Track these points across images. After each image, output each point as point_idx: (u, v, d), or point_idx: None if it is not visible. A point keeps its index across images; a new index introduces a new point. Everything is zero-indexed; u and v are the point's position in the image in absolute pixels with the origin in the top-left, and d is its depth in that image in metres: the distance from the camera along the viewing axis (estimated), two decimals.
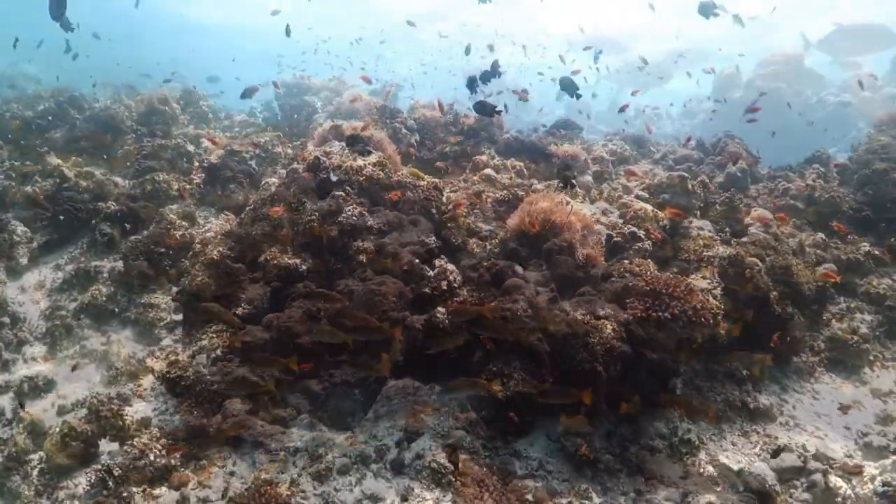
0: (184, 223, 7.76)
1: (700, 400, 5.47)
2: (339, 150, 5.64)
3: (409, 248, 5.18)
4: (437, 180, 5.59)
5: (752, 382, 5.80)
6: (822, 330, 6.74)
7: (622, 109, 7.26)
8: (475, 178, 6.17)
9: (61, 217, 8.54)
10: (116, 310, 7.40)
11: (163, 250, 7.68)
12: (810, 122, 12.75)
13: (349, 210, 5.07)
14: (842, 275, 7.07)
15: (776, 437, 5.54)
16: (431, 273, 5.06)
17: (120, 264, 7.78)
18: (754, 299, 5.69)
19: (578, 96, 5.58)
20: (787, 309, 5.89)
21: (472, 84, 4.83)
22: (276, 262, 5.07)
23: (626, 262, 5.23)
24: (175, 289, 7.57)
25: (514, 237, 5.09)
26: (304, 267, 5.01)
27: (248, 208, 5.87)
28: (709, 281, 5.28)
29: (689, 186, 6.07)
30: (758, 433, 5.65)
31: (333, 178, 4.74)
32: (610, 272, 5.19)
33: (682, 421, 5.32)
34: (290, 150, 9.57)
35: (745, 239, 6.08)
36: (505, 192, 5.67)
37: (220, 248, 5.78)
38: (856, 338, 6.47)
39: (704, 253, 5.61)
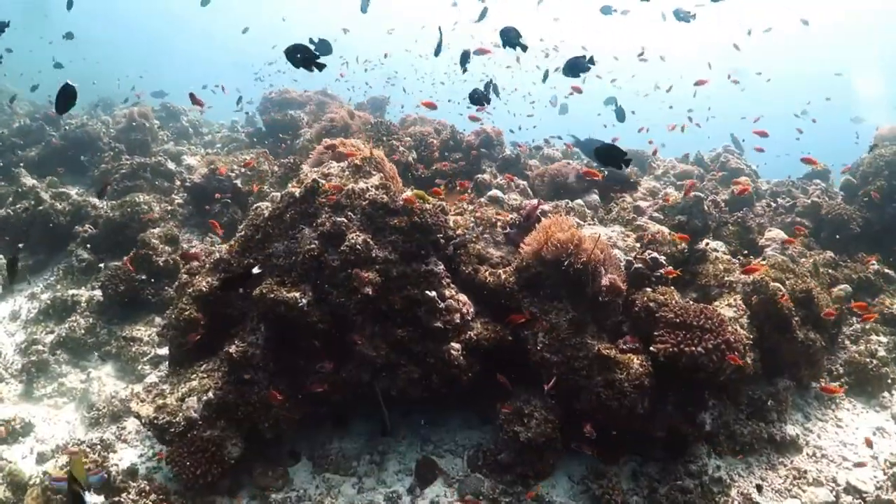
0: (167, 248, 7.27)
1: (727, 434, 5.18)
2: (337, 172, 5.26)
3: (417, 278, 4.80)
4: (443, 203, 5.23)
5: (777, 412, 5.53)
6: (839, 353, 6.54)
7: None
8: (481, 199, 5.83)
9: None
10: (96, 343, 6.89)
11: (144, 277, 7.20)
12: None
13: (352, 238, 4.68)
14: (854, 295, 6.92)
15: (805, 471, 5.28)
16: (442, 305, 4.69)
17: (99, 293, 7.27)
18: (777, 325, 5.45)
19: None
20: (809, 334, 5.66)
21: (464, 59, 4.43)
22: (273, 295, 4.64)
23: (650, 290, 4.93)
24: (158, 319, 7.09)
25: (532, 264, 4.74)
26: (303, 300, 4.59)
27: (238, 234, 5.43)
28: (734, 309, 5.00)
29: (705, 207, 5.82)
30: (785, 466, 5.38)
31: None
32: (634, 301, 4.88)
33: (711, 457, 5.02)
34: (276, 168, 9.13)
35: (763, 261, 5.84)
36: (515, 214, 5.33)
37: (209, 279, 5.33)
38: (874, 361, 6.26)
39: (726, 278, 5.33)
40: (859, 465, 5.28)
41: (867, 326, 6.72)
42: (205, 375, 5.10)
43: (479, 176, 6.80)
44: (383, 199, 4.92)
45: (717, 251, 5.88)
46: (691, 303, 4.87)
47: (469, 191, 6.75)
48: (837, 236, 7.62)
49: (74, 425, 6.06)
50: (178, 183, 9.40)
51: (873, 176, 7.97)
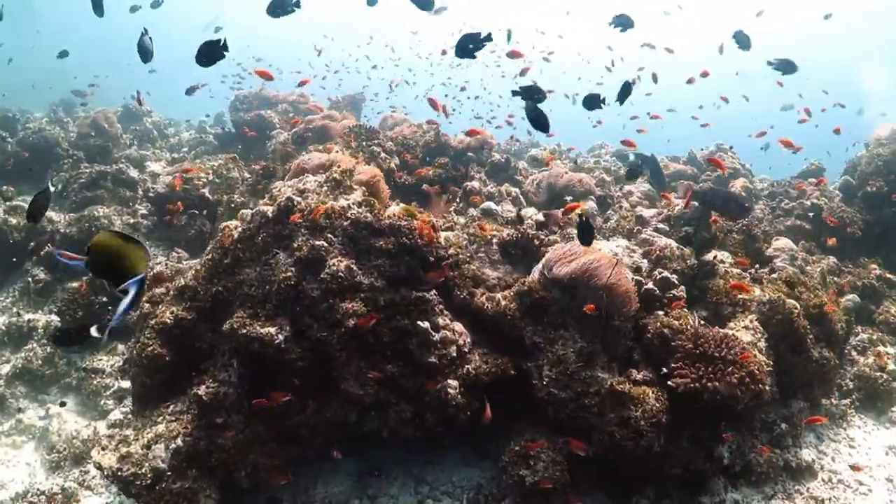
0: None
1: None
2: (315, 187, 4.73)
3: (407, 306, 4.32)
4: (432, 219, 4.75)
5: (791, 436, 5.22)
6: (847, 366, 6.27)
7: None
8: (473, 211, 5.36)
9: None
10: (54, 375, 6.29)
11: (105, 299, 6.58)
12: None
13: (334, 264, 4.17)
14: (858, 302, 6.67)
15: (822, 500, 4.98)
16: (436, 337, 4.22)
17: (56, 318, 6.64)
18: (792, 345, 5.12)
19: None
20: (824, 352, 5.35)
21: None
22: (245, 331, 4.12)
23: (662, 314, 4.53)
24: (121, 347, 6.48)
25: (535, 289, 4.30)
26: (280, 336, 4.08)
27: (204, 258, 4.87)
28: (752, 332, 4.63)
29: (713, 216, 5.45)
30: (802, 494, 5.07)
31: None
32: (646, 326, 4.47)
33: (728, 491, 4.67)
34: (247, 175, 8.53)
35: (774, 276, 5.51)
36: (513, 230, 4.88)
37: (174, 309, 4.77)
38: (884, 375, 6.00)
39: (739, 295, 4.97)
40: (875, 490, 5.01)
41: (873, 336, 6.46)
42: (172, 418, 4.55)
43: (469, 184, 6.33)
44: (367, 217, 4.42)
45: (724, 262, 5.52)
46: (708, 328, 4.49)
47: (457, 200, 6.28)
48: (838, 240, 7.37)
49: (35, 467, 5.54)
50: (140, 192, 8.73)
51: (872, 176, 7.73)
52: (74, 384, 6.19)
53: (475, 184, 6.39)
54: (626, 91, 4.19)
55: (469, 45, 3.94)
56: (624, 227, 5.88)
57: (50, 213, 8.28)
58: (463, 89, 11.61)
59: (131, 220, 7.85)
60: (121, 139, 10.64)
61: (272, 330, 4.09)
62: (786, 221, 7.49)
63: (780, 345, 5.05)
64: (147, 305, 5.01)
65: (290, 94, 12.50)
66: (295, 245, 4.30)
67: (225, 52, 3.50)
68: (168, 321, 4.70)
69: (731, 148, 9.58)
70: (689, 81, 8.05)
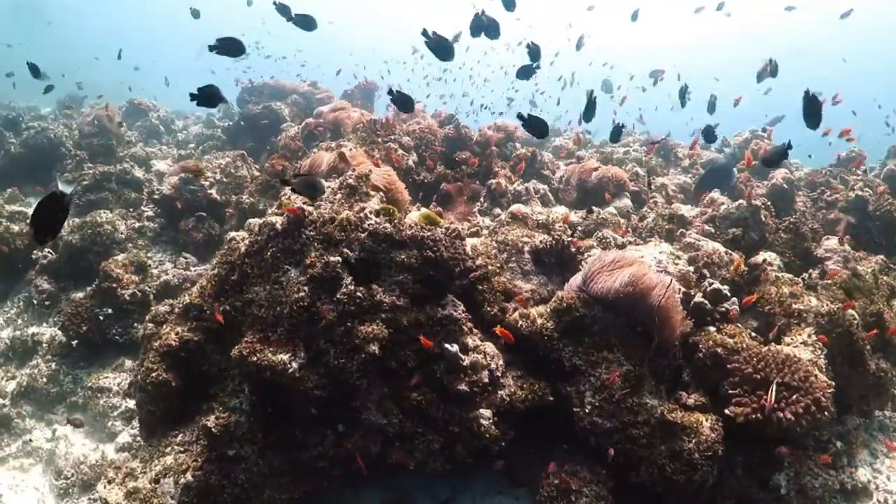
0: (134, 277, 6.31)
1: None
2: (328, 194, 4.31)
3: (433, 326, 3.92)
4: (457, 226, 4.32)
5: (847, 456, 4.78)
6: None
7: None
8: (499, 214, 4.92)
9: None
10: (60, 393, 6.02)
11: (110, 311, 6.26)
12: None
13: (351, 283, 3.77)
14: None
15: None
16: (466, 361, 3.82)
17: (61, 333, 6.34)
18: (850, 359, 4.66)
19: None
20: (881, 364, 4.88)
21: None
22: (256, 358, 3.75)
23: (714, 330, 4.09)
24: (129, 363, 6.17)
25: (575, 306, 3.87)
26: (294, 364, 3.70)
27: (210, 273, 4.50)
28: (811, 348, 4.17)
29: (763, 217, 4.96)
30: None
31: None
32: (696, 344, 4.03)
33: None
34: (256, 172, 8.15)
35: (828, 281, 5.01)
36: (546, 236, 4.44)
37: (180, 329, 4.42)
38: None
39: (794, 305, 4.50)
40: None
41: None
42: (181, 449, 4.22)
43: (493, 181, 5.87)
44: (386, 228, 4.00)
45: (773, 265, 5.04)
46: (766, 346, 4.04)
47: (481, 199, 5.83)
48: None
49: (43, 493, 5.28)
50: (147, 190, 8.37)
51: None
52: (81, 403, 5.91)
53: (500, 181, 5.93)
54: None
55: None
56: (662, 227, 5.41)
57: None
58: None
59: (136, 224, 7.51)
60: (125, 136, 10.28)
61: (285, 357, 3.71)
62: (829, 214, 6.94)
63: (836, 358, 4.60)
64: (151, 325, 4.67)
65: (301, 84, 12.05)
66: (307, 261, 3.90)
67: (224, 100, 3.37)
68: (173, 343, 4.35)
69: (765, 130, 8.98)
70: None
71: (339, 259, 3.85)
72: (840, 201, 6.94)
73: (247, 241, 4.30)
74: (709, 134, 4.21)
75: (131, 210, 7.80)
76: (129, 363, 6.09)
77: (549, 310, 3.96)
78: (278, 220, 4.14)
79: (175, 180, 7.61)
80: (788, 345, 4.28)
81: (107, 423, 5.65)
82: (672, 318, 3.74)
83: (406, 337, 3.88)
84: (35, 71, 5.26)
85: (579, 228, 5.11)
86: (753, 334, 4.41)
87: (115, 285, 6.13)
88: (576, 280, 4.01)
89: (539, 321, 3.88)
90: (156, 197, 7.64)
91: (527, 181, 6.41)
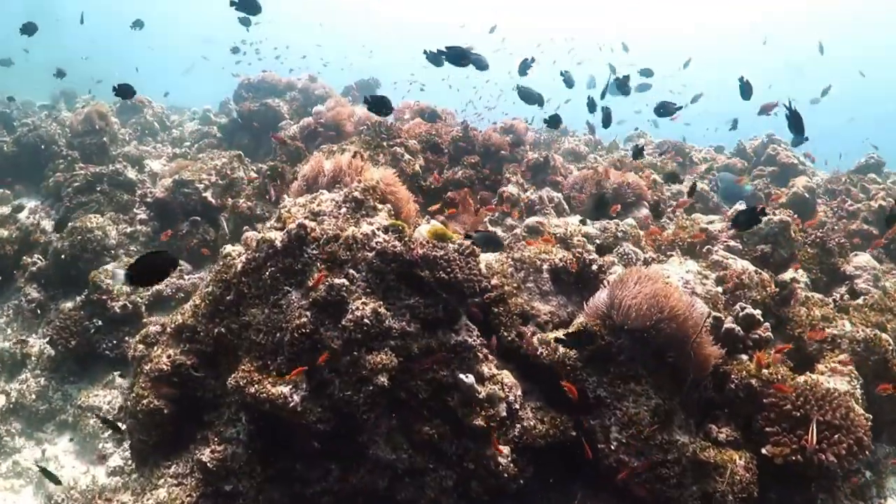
0: (124, 288, 6.00)
1: None
2: (332, 208, 4.00)
3: (445, 355, 3.62)
4: (469, 244, 4.01)
5: (876, 486, 4.53)
6: None
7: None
8: (517, 229, 4.62)
9: None
10: (49, 410, 5.74)
11: (100, 323, 5.95)
12: None
13: (358, 308, 3.47)
14: None
15: None
16: (482, 393, 3.52)
17: (50, 347, 6.03)
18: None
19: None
20: None
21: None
22: (254, 389, 3.45)
23: (746, 358, 3.80)
24: (119, 380, 5.87)
25: (600, 333, 3.58)
26: (296, 397, 3.40)
27: (204, 290, 4.19)
28: (848, 379, 3.89)
29: (792, 233, 4.67)
30: None
31: None
32: (728, 374, 3.75)
33: None
34: (254, 175, 7.81)
35: (859, 301, 4.73)
36: (567, 253, 4.14)
37: (172, 352, 4.11)
38: None
39: (827, 330, 4.22)
40: None
41: None
42: (175, 482, 3.93)
43: (505, 189, 5.56)
44: (395, 248, 3.69)
45: (799, 281, 4.76)
46: (801, 377, 3.76)
47: (493, 210, 5.52)
48: None
49: None
50: (140, 192, 8.02)
51: None
52: (71, 421, 5.63)
53: (512, 189, 5.62)
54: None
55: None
56: (683, 240, 5.11)
57: (43, 223, 7.66)
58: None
59: (128, 229, 7.18)
60: (118, 134, 9.92)
61: (285, 390, 3.41)
62: (850, 225, 6.64)
63: (870, 386, 4.33)
64: (141, 347, 4.37)
65: (299, 80, 11.68)
66: (310, 283, 3.59)
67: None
68: (165, 367, 4.05)
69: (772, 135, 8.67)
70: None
71: (345, 281, 3.55)
72: (862, 211, 6.65)
73: (243, 259, 3.98)
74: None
75: (123, 214, 7.46)
76: (119, 379, 5.80)
77: (572, 332, 3.66)
78: (278, 237, 3.82)
79: (168, 182, 7.28)
80: (822, 373, 4.00)
81: (97, 444, 5.37)
82: (706, 351, 3.45)
83: (417, 366, 3.59)
84: (124, 92, 5.10)
85: (597, 241, 4.81)
86: (785, 358, 4.14)
87: (104, 297, 5.82)
88: (599, 302, 3.72)
89: (561, 350, 3.59)
90: (148, 200, 7.31)
91: (539, 187, 6.10)
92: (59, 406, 5.78)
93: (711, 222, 5.31)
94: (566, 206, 5.59)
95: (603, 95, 4.47)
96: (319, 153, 5.06)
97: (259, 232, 6.34)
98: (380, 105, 4.30)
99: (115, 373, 5.79)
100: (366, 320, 3.45)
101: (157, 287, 6.24)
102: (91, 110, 9.75)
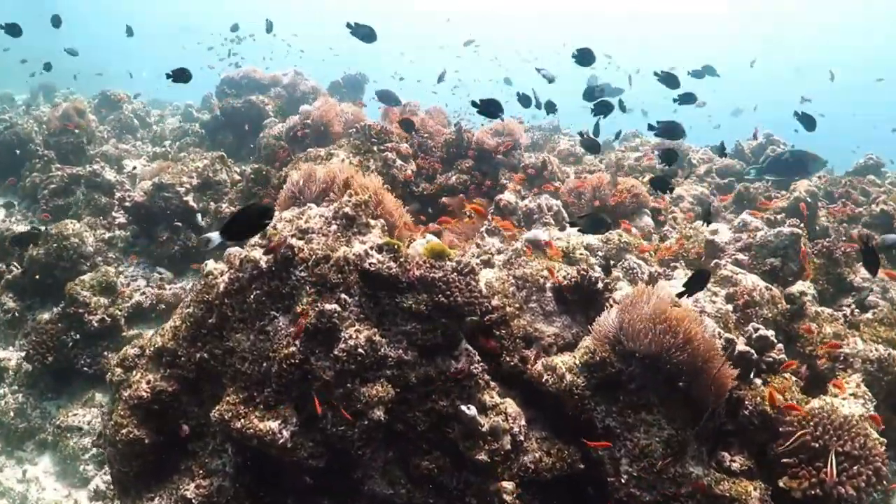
0: (102, 300, 5.70)
1: None
2: (321, 225, 3.74)
3: (445, 382, 3.41)
4: (469, 261, 3.79)
5: None
6: None
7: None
8: (517, 243, 4.39)
9: None
10: (28, 429, 5.46)
11: (78, 337, 5.65)
12: None
13: (350, 337, 3.23)
14: None
15: None
16: (485, 426, 3.31)
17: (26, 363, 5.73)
18: (894, 404, 4.26)
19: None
20: None
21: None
22: (240, 424, 3.21)
23: (760, 383, 3.63)
24: (99, 396, 5.59)
25: (609, 360, 3.39)
26: (285, 433, 3.17)
27: (184, 311, 3.91)
28: (862, 401, 3.74)
29: (803, 246, 4.50)
30: None
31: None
32: (741, 400, 3.57)
33: None
34: (237, 176, 7.51)
35: (868, 315, 4.59)
36: (571, 270, 3.94)
37: (151, 377, 3.85)
38: None
39: (839, 349, 4.07)
40: None
41: None
42: None
43: (502, 197, 5.33)
44: (391, 269, 3.46)
45: (807, 294, 4.59)
46: (817, 402, 3.60)
47: (489, 217, 5.30)
48: None
49: None
50: (118, 195, 7.68)
51: None
52: (50, 441, 5.36)
53: (509, 197, 5.39)
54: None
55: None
56: (687, 251, 4.92)
57: (16, 228, 7.30)
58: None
59: (106, 235, 6.85)
60: (96, 132, 9.51)
61: (274, 425, 3.17)
62: (852, 230, 6.50)
63: (881, 406, 4.20)
64: (119, 371, 4.09)
65: (284, 76, 11.31)
66: (298, 309, 3.34)
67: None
68: (144, 395, 3.78)
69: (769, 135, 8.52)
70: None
71: (337, 307, 3.30)
72: (864, 216, 6.52)
73: (226, 279, 3.72)
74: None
75: (101, 219, 7.13)
76: (98, 396, 5.52)
77: (578, 362, 3.46)
78: (263, 257, 3.56)
79: (148, 186, 6.95)
80: (836, 395, 3.85)
81: (78, 466, 5.11)
82: (723, 376, 3.27)
83: (415, 395, 3.37)
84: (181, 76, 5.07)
85: (599, 254, 4.61)
86: (794, 378, 3.98)
87: (81, 311, 5.52)
88: (607, 326, 3.51)
89: (568, 377, 3.39)
90: (127, 204, 6.98)
91: (536, 192, 5.88)
92: (38, 424, 5.51)
93: (715, 232, 5.13)
94: (565, 215, 5.38)
95: (623, 109, 4.37)
96: (307, 164, 4.79)
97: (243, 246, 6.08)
98: (490, 107, 4.27)
99: (94, 390, 5.52)
100: (360, 350, 3.21)
101: (136, 298, 5.96)
102: (69, 107, 9.34)
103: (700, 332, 3.18)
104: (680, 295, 3.22)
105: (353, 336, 3.24)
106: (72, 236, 6.37)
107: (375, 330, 3.32)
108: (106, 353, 5.57)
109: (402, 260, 3.52)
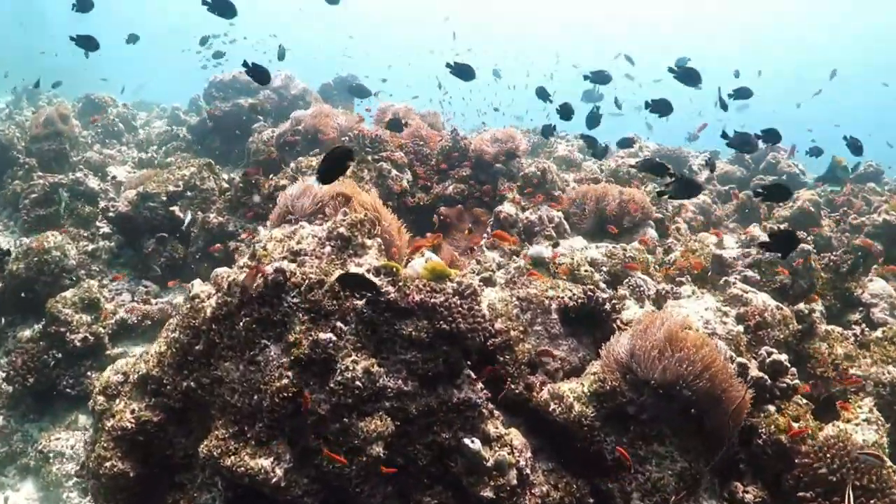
0: (84, 318, 5.47)
1: None
2: (314, 246, 3.55)
3: (447, 412, 3.23)
4: (471, 283, 3.61)
5: None
6: None
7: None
8: (521, 261, 4.22)
9: None
10: (10, 453, 5.23)
11: (61, 356, 5.42)
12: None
13: (348, 368, 3.05)
14: None
15: None
16: (490, 460, 3.14)
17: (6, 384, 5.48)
18: None
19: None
20: None
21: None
22: (230, 462, 3.01)
23: (773, 410, 3.49)
24: (82, 418, 5.35)
25: (620, 389, 3.23)
26: (278, 471, 2.98)
27: (169, 335, 3.71)
28: (875, 427, 3.60)
29: (813, 262, 4.37)
30: None
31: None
32: (755, 428, 3.43)
33: None
34: (225, 184, 7.28)
35: (878, 334, 4.46)
36: (577, 290, 3.77)
37: (136, 407, 3.65)
38: None
39: (850, 370, 3.94)
40: None
41: None
42: None
43: (503, 209, 5.16)
44: (389, 294, 3.27)
45: (815, 311, 4.46)
46: (832, 428, 3.46)
47: (488, 230, 5.12)
48: None
49: None
50: (102, 205, 7.42)
51: None
52: (33, 466, 5.12)
53: (509, 209, 5.21)
54: None
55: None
56: (694, 265, 4.78)
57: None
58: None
59: (90, 247, 6.60)
60: (80, 138, 9.22)
61: (266, 463, 2.98)
62: (854, 239, 6.39)
63: (894, 429, 4.08)
64: (101, 399, 3.87)
65: (274, 78, 11.04)
66: (290, 338, 3.15)
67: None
68: (129, 425, 3.58)
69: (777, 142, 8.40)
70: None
71: (332, 336, 3.12)
72: (867, 226, 6.41)
73: (213, 303, 3.51)
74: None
75: (83, 230, 6.87)
76: (82, 419, 5.29)
77: (587, 391, 3.30)
78: (251, 280, 3.36)
79: (132, 195, 6.71)
80: (849, 421, 3.72)
81: (62, 493, 4.89)
82: (734, 406, 3.12)
83: (415, 428, 3.19)
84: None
85: (604, 269, 4.45)
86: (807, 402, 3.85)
87: (63, 329, 5.29)
88: (618, 353, 3.35)
89: (577, 407, 3.22)
90: (111, 215, 6.73)
91: (536, 203, 5.71)
92: (21, 448, 5.28)
93: (720, 243, 4.99)
94: (566, 227, 5.21)
95: (619, 106, 4.29)
96: (301, 181, 4.59)
97: (235, 258, 5.86)
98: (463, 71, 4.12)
99: (78, 412, 5.29)
100: (357, 383, 3.03)
101: (120, 314, 5.72)
102: (52, 112, 9.04)
103: (718, 359, 3.03)
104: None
105: (350, 367, 3.05)
106: (53, 249, 6.11)
107: (374, 360, 3.13)
108: (90, 372, 5.34)
109: (400, 284, 3.34)
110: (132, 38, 9.00)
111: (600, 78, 4.77)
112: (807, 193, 6.28)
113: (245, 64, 5.02)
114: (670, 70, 4.63)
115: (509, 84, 12.14)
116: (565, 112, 5.04)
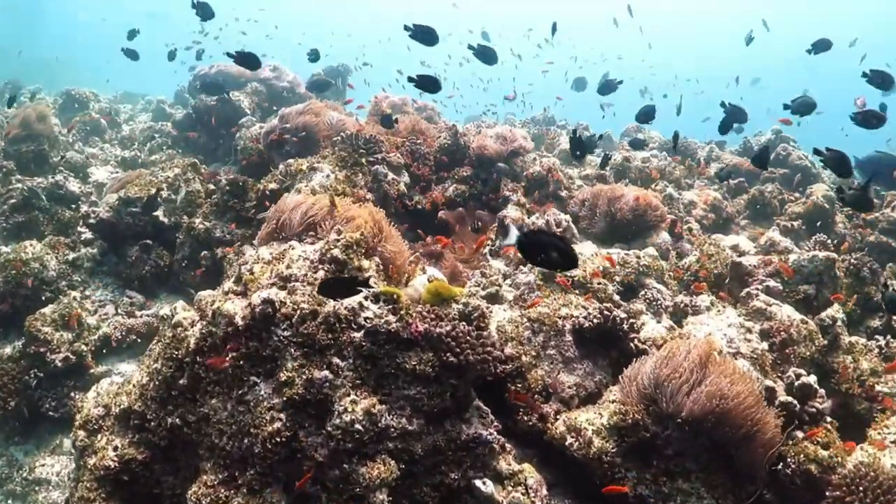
0: (66, 335, 5.17)
1: None
2: (306, 271, 3.25)
3: (456, 451, 2.98)
4: (479, 305, 3.34)
5: None
6: None
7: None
8: (527, 275, 3.94)
9: None
10: None
11: (42, 376, 5.14)
12: None
13: (346, 410, 2.78)
14: None
15: None
16: (503, 502, 2.90)
17: None
18: None
19: None
20: None
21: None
22: None
23: (801, 436, 3.26)
24: (67, 442, 5.09)
25: (642, 423, 2.98)
26: None
27: (151, 366, 3.42)
28: None
29: (837, 271, 4.12)
30: None
31: None
32: (784, 458, 3.20)
33: None
34: (211, 186, 6.94)
35: None
36: (593, 310, 3.51)
37: (119, 443, 3.38)
38: None
39: (877, 387, 3.72)
40: None
41: None
42: None
43: (507, 214, 4.86)
44: (390, 324, 2.99)
45: (837, 320, 4.22)
46: (863, 452, 3.23)
47: (492, 239, 4.84)
48: None
49: None
50: (83, 210, 7.06)
51: None
52: (20, 492, 4.86)
53: (513, 212, 4.92)
54: None
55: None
56: (710, 271, 4.52)
57: None
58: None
59: (70, 256, 6.26)
60: (60, 136, 8.81)
61: None
62: (868, 236, 6.13)
63: None
64: (82, 434, 3.59)
65: (262, 70, 10.61)
66: (282, 377, 2.87)
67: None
68: (111, 464, 3.32)
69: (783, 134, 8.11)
70: None
71: (328, 374, 2.84)
72: (881, 221, 6.15)
73: (197, 332, 3.22)
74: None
75: (63, 237, 6.53)
76: (67, 443, 5.03)
77: (606, 423, 3.05)
78: (238, 313, 3.07)
79: (114, 200, 6.37)
80: (876, 437, 3.49)
81: None
82: (765, 441, 2.89)
83: (421, 468, 2.95)
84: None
85: (617, 279, 4.19)
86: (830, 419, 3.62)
87: (43, 349, 4.99)
88: (640, 382, 3.10)
89: (597, 442, 2.97)
90: (91, 221, 6.38)
91: (540, 203, 5.42)
92: (6, 473, 5.01)
93: (736, 247, 4.73)
94: (574, 231, 4.93)
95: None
96: (294, 193, 4.28)
97: (224, 266, 5.56)
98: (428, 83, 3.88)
99: (62, 436, 5.02)
100: (357, 426, 2.76)
101: (103, 330, 5.43)
102: (30, 112, 8.60)
103: (753, 390, 2.78)
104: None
105: (349, 409, 2.79)
106: (31, 261, 5.78)
107: (375, 399, 2.86)
108: (73, 393, 5.06)
109: (402, 312, 3.06)
110: (132, 35, 8.82)
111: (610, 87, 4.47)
112: (820, 188, 6.01)
113: (230, 54, 4.82)
114: (470, 47, 4.52)
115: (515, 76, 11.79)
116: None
